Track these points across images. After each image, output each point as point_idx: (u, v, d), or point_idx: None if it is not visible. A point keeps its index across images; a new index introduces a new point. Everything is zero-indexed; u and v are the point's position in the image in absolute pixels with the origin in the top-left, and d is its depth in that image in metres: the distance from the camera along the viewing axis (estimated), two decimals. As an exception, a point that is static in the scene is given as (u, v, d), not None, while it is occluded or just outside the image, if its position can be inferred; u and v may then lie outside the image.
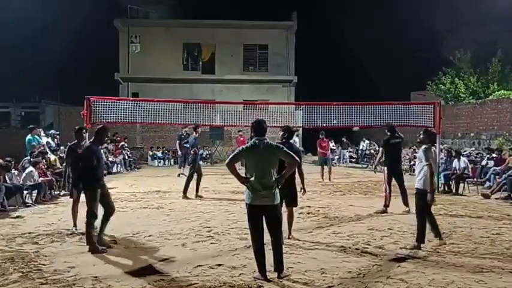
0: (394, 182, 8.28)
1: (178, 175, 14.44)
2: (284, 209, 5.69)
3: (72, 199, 6.58)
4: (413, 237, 6.21)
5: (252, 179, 4.35)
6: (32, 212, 8.24)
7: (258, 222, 4.42)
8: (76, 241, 5.98)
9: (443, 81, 21.52)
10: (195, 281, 4.38)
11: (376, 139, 22.52)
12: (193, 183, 10.05)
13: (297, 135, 13.77)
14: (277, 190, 4.44)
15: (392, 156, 8.30)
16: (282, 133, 5.89)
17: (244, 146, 4.55)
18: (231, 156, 4.49)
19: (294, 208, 6.05)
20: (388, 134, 8.43)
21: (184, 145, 14.80)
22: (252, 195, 4.37)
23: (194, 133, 10.32)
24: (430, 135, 5.91)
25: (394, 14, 32.98)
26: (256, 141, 4.43)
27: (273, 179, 4.37)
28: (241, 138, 17.42)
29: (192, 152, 10.12)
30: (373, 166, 8.83)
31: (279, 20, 25.69)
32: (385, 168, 8.30)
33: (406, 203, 8.15)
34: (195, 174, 9.99)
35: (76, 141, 6.78)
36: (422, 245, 5.59)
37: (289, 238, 5.87)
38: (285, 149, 4.55)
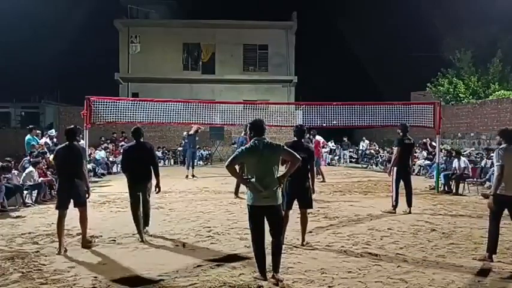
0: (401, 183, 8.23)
1: (186, 177, 14.09)
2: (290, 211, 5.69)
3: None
4: (414, 238, 6.24)
5: (253, 179, 4.30)
6: (32, 212, 8.24)
7: (259, 223, 4.35)
8: (76, 241, 5.97)
9: (443, 82, 21.52)
10: (195, 281, 4.38)
11: (376, 139, 22.55)
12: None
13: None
14: (279, 190, 4.39)
15: (404, 157, 8.18)
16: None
17: (243, 147, 4.49)
18: (230, 158, 4.43)
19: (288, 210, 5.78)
20: (401, 134, 8.30)
21: (184, 146, 14.75)
22: (253, 196, 4.31)
23: (243, 133, 10.56)
24: (504, 134, 5.28)
25: (394, 14, 33.02)
26: (256, 142, 4.37)
27: (275, 178, 4.32)
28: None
29: None
30: (389, 168, 8.58)
31: (279, 20, 25.69)
32: (395, 168, 8.18)
33: (409, 204, 8.16)
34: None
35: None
36: (494, 256, 5.12)
37: (303, 244, 5.68)
38: (285, 147, 4.50)
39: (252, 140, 4.42)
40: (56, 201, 5.77)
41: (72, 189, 5.54)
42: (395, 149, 8.41)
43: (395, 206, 8.12)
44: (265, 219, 4.38)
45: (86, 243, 5.66)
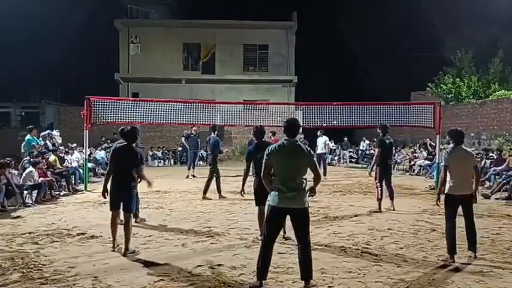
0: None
1: (187, 177, 14.08)
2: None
3: None
4: (414, 238, 6.24)
5: (277, 180, 4.17)
6: (32, 212, 8.24)
7: (274, 226, 4.22)
8: (76, 241, 5.98)
9: (445, 81, 21.52)
10: (195, 281, 4.38)
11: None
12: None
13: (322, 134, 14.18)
14: (305, 194, 4.18)
15: (386, 156, 8.39)
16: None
17: (270, 147, 4.32)
18: (263, 166, 4.27)
19: None
20: (381, 134, 8.47)
21: (189, 146, 14.75)
22: (276, 197, 4.15)
23: (213, 133, 10.61)
24: (451, 135, 5.34)
25: (394, 14, 33.04)
26: (285, 142, 4.23)
27: (301, 180, 4.16)
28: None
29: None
30: (371, 167, 8.78)
31: (279, 20, 25.69)
32: (379, 167, 8.33)
33: (392, 198, 8.42)
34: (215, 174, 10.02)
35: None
36: (478, 254, 5.15)
37: (283, 237, 5.82)
38: (314, 157, 4.34)
39: (281, 140, 4.32)
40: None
41: (122, 193, 5.48)
42: (377, 150, 8.56)
43: (380, 199, 8.23)
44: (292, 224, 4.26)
45: (125, 252, 5.36)
